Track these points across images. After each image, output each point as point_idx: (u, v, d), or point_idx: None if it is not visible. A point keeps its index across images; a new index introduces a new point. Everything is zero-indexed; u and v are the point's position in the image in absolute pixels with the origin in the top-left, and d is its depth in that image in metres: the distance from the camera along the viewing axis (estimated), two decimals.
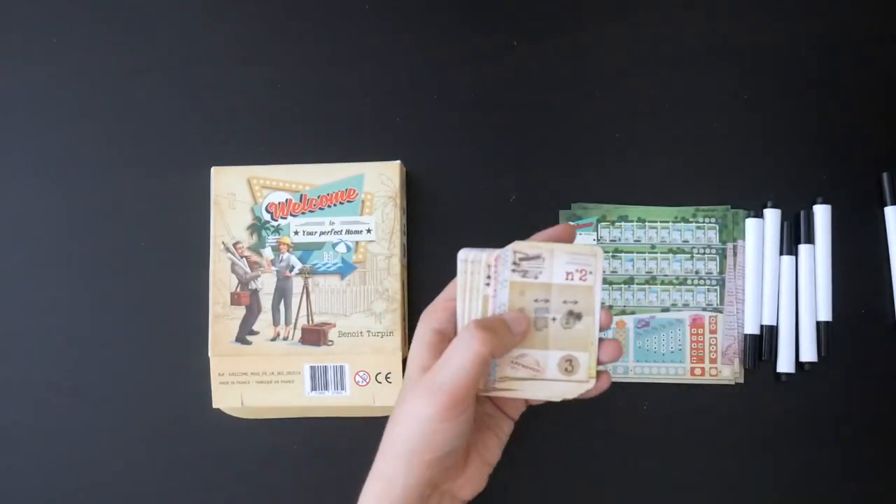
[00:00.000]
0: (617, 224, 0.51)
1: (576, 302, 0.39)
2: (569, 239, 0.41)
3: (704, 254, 0.51)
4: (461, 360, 0.37)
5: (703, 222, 0.51)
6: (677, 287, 0.51)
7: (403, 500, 0.39)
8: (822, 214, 0.51)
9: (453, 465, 0.40)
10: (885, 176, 0.51)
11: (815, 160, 0.52)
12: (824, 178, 0.52)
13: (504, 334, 0.39)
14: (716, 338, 0.50)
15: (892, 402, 0.50)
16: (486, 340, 0.37)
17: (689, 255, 0.51)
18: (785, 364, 0.50)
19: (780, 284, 0.51)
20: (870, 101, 0.52)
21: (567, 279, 0.39)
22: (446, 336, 0.40)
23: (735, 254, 0.51)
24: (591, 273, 0.39)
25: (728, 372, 0.50)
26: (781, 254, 0.51)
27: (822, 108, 0.53)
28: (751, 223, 0.51)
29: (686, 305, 0.51)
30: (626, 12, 0.54)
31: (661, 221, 0.51)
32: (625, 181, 0.52)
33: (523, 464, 0.50)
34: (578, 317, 0.39)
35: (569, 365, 0.40)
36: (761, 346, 0.50)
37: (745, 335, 0.50)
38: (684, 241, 0.51)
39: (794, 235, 0.51)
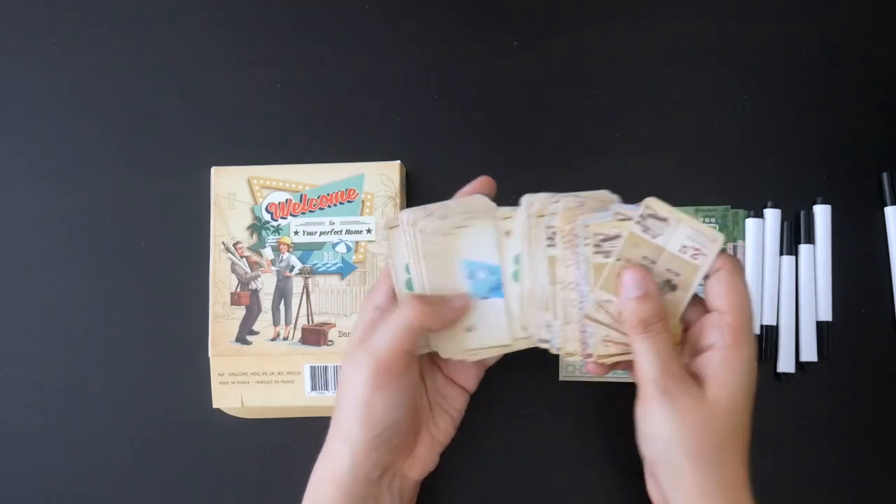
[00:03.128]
0: None
1: (678, 274, 0.39)
2: (487, 190, 0.43)
3: None
4: (390, 325, 0.38)
5: (703, 222, 0.51)
6: None
7: (351, 480, 0.39)
8: (822, 214, 0.51)
9: (400, 445, 0.40)
10: (885, 176, 0.51)
11: (815, 160, 0.52)
12: (824, 178, 0.52)
13: (439, 307, 0.38)
14: None
15: (892, 402, 0.50)
16: (419, 308, 0.37)
17: None
18: (785, 364, 0.50)
19: (780, 284, 0.51)
20: (870, 101, 0.52)
21: (680, 252, 0.39)
22: (386, 313, 0.40)
23: (735, 254, 0.51)
24: (703, 255, 0.39)
25: None
26: (781, 254, 0.51)
27: (822, 108, 0.53)
28: (751, 223, 0.51)
29: None
30: (626, 12, 0.54)
31: None
32: (625, 181, 0.52)
33: (520, 467, 0.50)
34: (674, 287, 0.40)
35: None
36: (761, 346, 0.50)
37: None
38: None
39: (794, 235, 0.51)
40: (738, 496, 0.37)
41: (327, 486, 0.40)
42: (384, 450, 0.39)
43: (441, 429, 0.43)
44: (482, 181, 0.43)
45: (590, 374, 0.42)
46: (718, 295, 0.39)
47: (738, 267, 0.39)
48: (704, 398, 0.37)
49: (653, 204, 0.40)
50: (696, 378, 0.38)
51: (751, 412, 0.38)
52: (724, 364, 0.37)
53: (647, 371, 0.37)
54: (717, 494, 0.36)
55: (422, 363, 0.42)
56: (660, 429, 0.37)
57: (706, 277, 0.39)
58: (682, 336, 0.40)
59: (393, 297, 0.41)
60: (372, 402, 0.38)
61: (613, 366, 0.41)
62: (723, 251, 0.39)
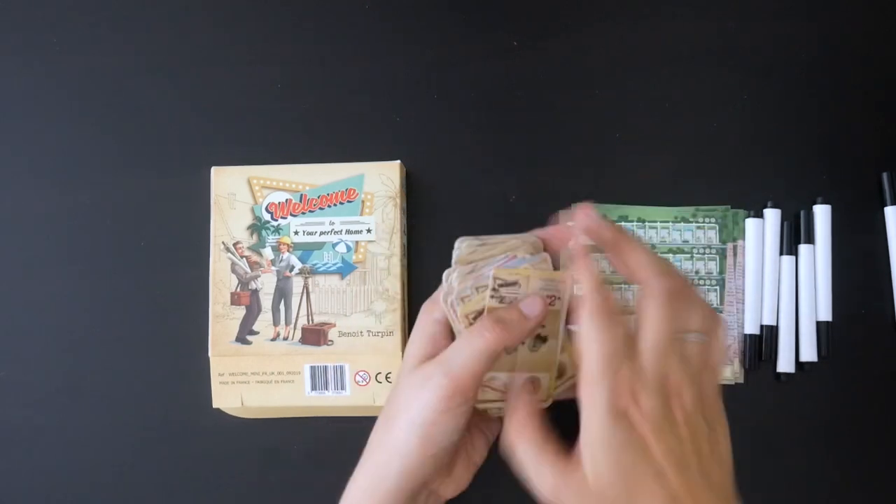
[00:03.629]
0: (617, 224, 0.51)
1: (543, 326, 0.40)
2: (565, 240, 0.41)
3: (704, 254, 0.51)
4: (470, 349, 0.37)
5: (703, 222, 0.51)
6: None
7: (394, 497, 0.38)
8: (822, 214, 0.51)
9: (445, 464, 0.40)
10: (885, 176, 0.51)
11: (815, 160, 0.52)
12: (824, 178, 0.52)
13: (517, 325, 0.38)
14: None
15: (892, 402, 0.50)
16: (499, 332, 0.37)
17: (689, 256, 0.51)
18: (785, 364, 0.50)
19: (780, 284, 0.51)
20: (870, 101, 0.52)
21: None
22: (447, 327, 0.40)
23: (735, 254, 0.51)
24: (559, 299, 0.40)
25: (728, 372, 0.50)
26: (781, 254, 0.51)
27: (822, 108, 0.53)
28: (751, 223, 0.51)
29: None
30: (626, 12, 0.54)
31: (660, 221, 0.51)
32: (625, 181, 0.52)
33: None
34: (544, 340, 0.40)
35: (531, 387, 0.40)
36: (761, 346, 0.50)
37: (745, 335, 0.50)
38: (684, 241, 0.51)
39: (794, 235, 0.51)
40: None
41: (366, 498, 0.39)
42: (433, 469, 0.38)
43: (477, 449, 0.43)
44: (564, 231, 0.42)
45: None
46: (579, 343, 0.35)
47: (597, 306, 0.35)
48: (583, 479, 0.33)
49: (499, 274, 0.39)
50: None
51: (632, 491, 0.33)
52: (582, 435, 0.34)
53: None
54: None
55: None
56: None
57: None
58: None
59: None
60: (438, 422, 0.37)
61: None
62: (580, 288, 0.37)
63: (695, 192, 0.51)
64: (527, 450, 0.36)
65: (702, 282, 0.51)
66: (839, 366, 0.50)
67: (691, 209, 0.51)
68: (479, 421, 0.43)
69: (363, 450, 0.41)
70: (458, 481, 0.42)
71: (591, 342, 0.34)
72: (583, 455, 0.34)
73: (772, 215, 0.51)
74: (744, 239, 0.51)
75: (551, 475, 0.34)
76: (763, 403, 0.50)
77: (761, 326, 0.50)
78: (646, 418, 0.33)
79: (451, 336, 0.41)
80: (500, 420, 0.43)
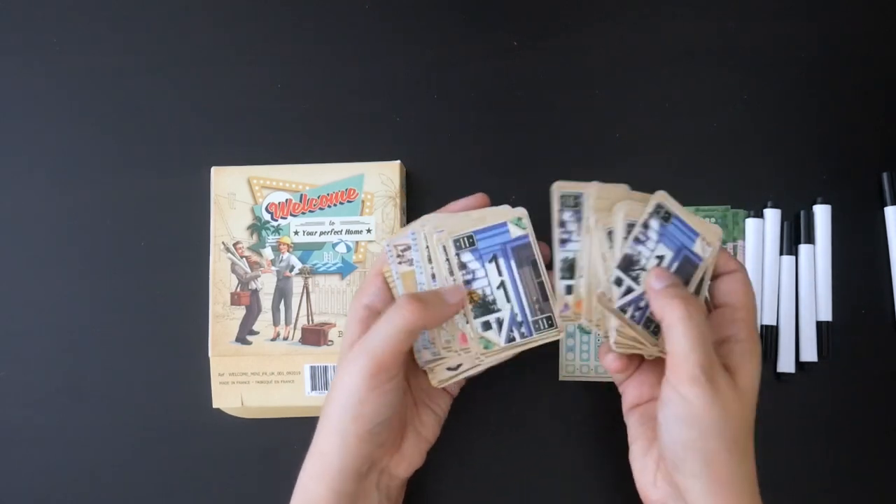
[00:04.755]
0: None
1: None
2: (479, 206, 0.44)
3: None
4: (387, 326, 0.38)
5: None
6: None
7: (340, 476, 0.39)
8: (822, 214, 0.51)
9: (388, 441, 0.41)
10: (885, 176, 0.51)
11: (815, 160, 0.52)
12: (824, 178, 0.52)
13: (436, 305, 0.39)
14: None
15: (892, 402, 0.50)
16: (415, 310, 0.38)
17: None
18: (785, 364, 0.50)
19: (780, 284, 0.51)
20: (870, 101, 0.52)
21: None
22: (376, 311, 0.41)
23: (735, 254, 0.51)
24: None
25: None
26: (781, 254, 0.51)
27: (822, 108, 0.53)
28: (751, 223, 0.51)
29: None
30: (626, 12, 0.54)
31: None
32: (625, 181, 0.52)
33: (518, 466, 0.50)
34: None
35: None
36: (761, 345, 0.50)
37: None
38: None
39: (794, 235, 0.51)
40: (755, 485, 0.38)
41: (316, 483, 0.40)
42: (374, 445, 0.40)
43: (427, 426, 0.44)
44: (477, 198, 0.45)
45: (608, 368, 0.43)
46: (732, 292, 0.40)
47: (745, 271, 0.42)
48: (738, 387, 0.37)
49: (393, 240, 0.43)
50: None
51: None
52: (746, 356, 0.38)
53: (690, 352, 0.36)
54: (745, 481, 0.37)
55: (406, 361, 0.42)
56: (701, 414, 0.36)
57: (714, 277, 0.41)
58: None
59: (381, 297, 0.42)
60: (366, 399, 0.38)
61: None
62: (723, 250, 0.42)
63: (695, 192, 0.51)
64: (694, 321, 0.37)
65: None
66: (839, 366, 0.50)
67: (691, 209, 0.51)
68: (425, 397, 0.44)
69: None
70: (409, 458, 0.43)
71: (752, 293, 0.41)
72: (744, 365, 0.38)
73: (772, 215, 0.51)
74: (744, 239, 0.51)
75: (711, 355, 0.37)
76: (763, 403, 0.50)
77: (761, 326, 0.50)
78: None
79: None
80: (448, 396, 0.45)
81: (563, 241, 0.41)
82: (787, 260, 0.51)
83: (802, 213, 0.51)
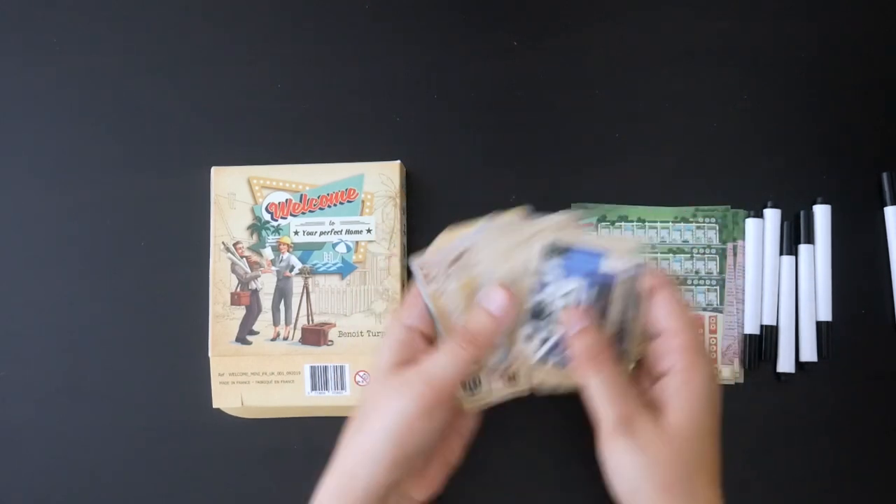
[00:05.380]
0: (617, 224, 0.51)
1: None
2: None
3: (704, 254, 0.51)
4: (452, 358, 0.38)
5: (703, 222, 0.51)
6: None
7: (363, 498, 0.38)
8: (822, 214, 0.51)
9: (418, 466, 0.40)
10: (885, 176, 0.51)
11: (815, 160, 0.52)
12: (824, 178, 0.52)
13: (489, 335, 0.39)
14: (716, 338, 0.50)
15: (892, 402, 0.50)
16: (478, 345, 0.38)
17: (689, 255, 0.51)
18: (785, 364, 0.50)
19: (780, 284, 0.51)
20: (870, 101, 0.52)
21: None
22: (416, 332, 0.41)
23: (735, 254, 0.51)
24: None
25: (728, 372, 0.50)
26: (781, 254, 0.51)
27: (822, 108, 0.53)
28: (751, 223, 0.51)
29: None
30: (626, 12, 0.54)
31: (660, 221, 0.51)
32: (625, 181, 0.52)
33: (507, 471, 0.50)
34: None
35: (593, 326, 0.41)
36: (761, 346, 0.50)
37: (745, 335, 0.50)
38: (684, 241, 0.51)
39: (794, 235, 0.51)
40: None
41: (336, 501, 0.39)
42: (405, 470, 0.39)
43: (452, 449, 0.43)
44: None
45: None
46: (663, 317, 0.38)
47: (674, 285, 0.40)
48: (666, 429, 0.36)
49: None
50: (654, 406, 0.38)
51: (717, 432, 0.38)
52: (683, 389, 0.37)
53: (603, 410, 0.37)
54: None
55: None
56: (626, 466, 0.37)
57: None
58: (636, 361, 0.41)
59: (423, 319, 0.41)
60: (415, 428, 0.38)
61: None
62: (646, 268, 0.40)
63: (695, 192, 0.51)
64: (604, 376, 0.38)
65: (701, 282, 0.51)
66: (839, 366, 0.50)
67: (691, 209, 0.51)
68: (454, 420, 0.43)
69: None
70: (430, 483, 0.42)
71: (686, 310, 0.39)
72: (676, 400, 0.37)
73: (772, 215, 0.51)
74: (744, 239, 0.51)
75: (627, 406, 0.37)
76: (763, 403, 0.50)
77: (761, 326, 0.50)
78: (713, 373, 0.39)
79: (424, 340, 0.41)
80: (474, 418, 0.45)
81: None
82: (787, 260, 0.51)
83: (802, 213, 0.51)
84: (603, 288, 0.39)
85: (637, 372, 0.41)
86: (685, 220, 0.51)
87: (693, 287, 0.51)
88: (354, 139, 0.53)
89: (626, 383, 0.38)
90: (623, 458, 0.37)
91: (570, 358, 0.39)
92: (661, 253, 0.51)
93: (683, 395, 0.37)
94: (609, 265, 0.40)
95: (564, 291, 0.40)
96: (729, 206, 0.51)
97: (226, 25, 0.55)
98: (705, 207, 0.51)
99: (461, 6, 0.54)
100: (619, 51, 0.53)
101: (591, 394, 0.38)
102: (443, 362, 0.38)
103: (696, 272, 0.51)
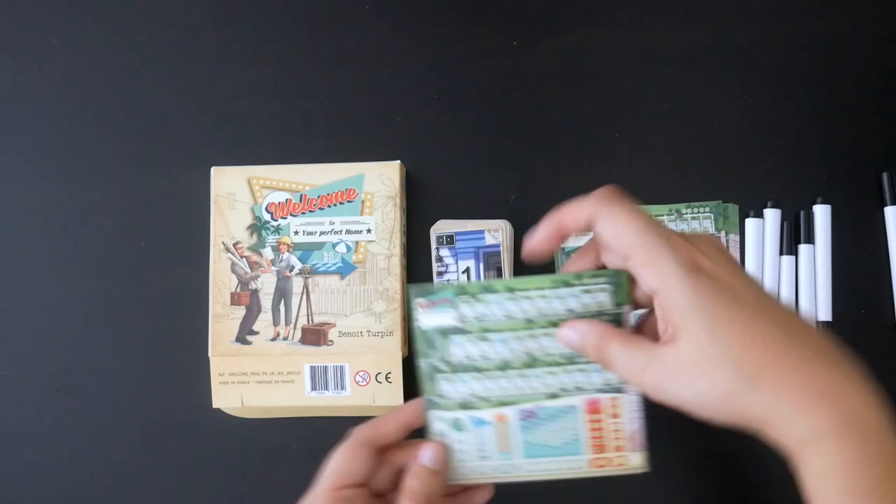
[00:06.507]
0: None
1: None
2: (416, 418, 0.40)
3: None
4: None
5: (698, 213, 0.51)
6: None
7: None
8: (822, 214, 0.51)
9: None
10: (885, 176, 0.51)
11: (815, 160, 0.52)
12: (824, 178, 0.52)
13: (436, 489, 0.38)
14: None
15: (892, 403, 0.50)
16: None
17: None
18: None
19: (780, 284, 0.51)
20: (870, 101, 0.52)
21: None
22: (371, 453, 0.39)
23: (728, 246, 0.51)
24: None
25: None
26: (781, 254, 0.51)
27: (822, 108, 0.53)
28: (751, 223, 0.51)
29: None
30: (626, 12, 0.54)
31: (655, 216, 0.51)
32: (624, 181, 0.52)
33: None
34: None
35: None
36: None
37: None
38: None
39: (794, 235, 0.51)
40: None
41: None
42: None
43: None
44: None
45: None
46: (611, 244, 0.34)
47: (612, 195, 0.34)
48: (672, 352, 0.32)
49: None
50: (664, 340, 0.34)
51: (752, 295, 0.32)
52: (670, 306, 0.32)
53: (626, 372, 0.34)
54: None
55: None
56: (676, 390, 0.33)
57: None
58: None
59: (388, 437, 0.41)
60: None
61: None
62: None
63: (695, 192, 0.52)
64: (618, 345, 0.34)
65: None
66: None
67: (683, 206, 0.51)
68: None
69: None
70: None
71: (633, 221, 0.33)
72: (677, 326, 0.32)
73: (772, 215, 0.51)
74: (736, 233, 0.51)
75: (644, 357, 0.33)
76: None
77: None
78: (721, 269, 0.32)
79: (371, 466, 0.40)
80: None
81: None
82: (787, 260, 0.51)
83: (802, 213, 0.51)
84: (491, 257, 0.45)
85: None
86: (678, 213, 0.51)
87: None
88: (354, 139, 0.53)
89: (632, 342, 0.34)
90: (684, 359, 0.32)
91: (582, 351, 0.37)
92: None
93: (673, 316, 0.32)
94: (491, 238, 0.45)
95: (463, 270, 0.45)
96: (721, 201, 0.51)
97: (226, 25, 0.55)
98: (696, 203, 0.51)
99: (461, 6, 0.55)
100: (619, 51, 0.53)
101: (616, 367, 0.35)
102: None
103: None
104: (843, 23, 0.53)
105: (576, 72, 0.53)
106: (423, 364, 0.38)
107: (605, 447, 0.40)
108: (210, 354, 0.50)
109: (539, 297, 0.38)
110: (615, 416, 0.40)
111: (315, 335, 0.50)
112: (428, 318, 0.38)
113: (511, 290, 0.38)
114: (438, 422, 0.39)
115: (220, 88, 0.54)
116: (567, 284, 0.37)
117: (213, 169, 0.51)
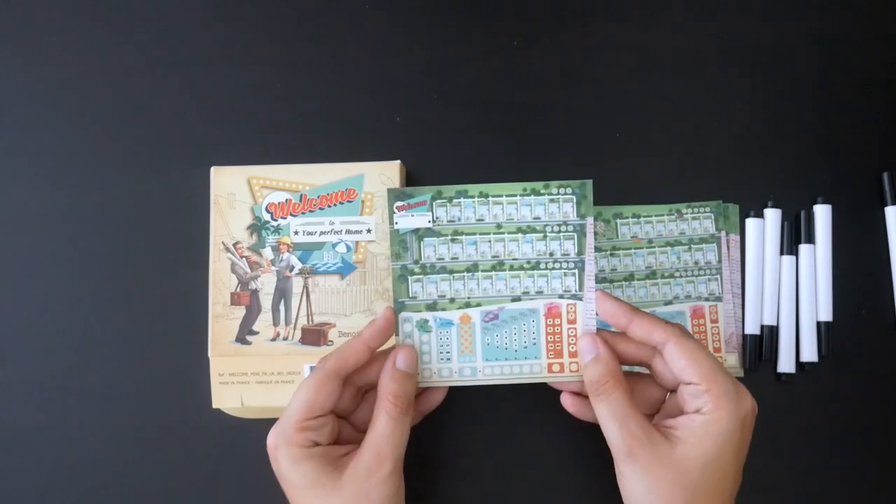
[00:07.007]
0: (612, 221, 0.51)
1: None
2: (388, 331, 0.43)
3: (702, 244, 0.51)
4: (387, 430, 0.40)
5: (699, 213, 0.51)
6: (678, 279, 0.51)
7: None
8: (822, 214, 0.51)
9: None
10: (885, 176, 0.51)
11: (815, 160, 0.52)
12: (824, 178, 0.52)
13: (411, 393, 0.42)
14: (717, 327, 0.50)
15: (892, 402, 0.50)
16: (403, 407, 0.41)
17: (686, 248, 0.51)
18: (785, 364, 0.50)
19: (781, 284, 0.51)
20: (870, 101, 0.52)
21: None
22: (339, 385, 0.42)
23: (728, 248, 0.51)
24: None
25: (733, 360, 0.50)
26: (782, 254, 0.51)
27: (821, 108, 0.53)
28: (751, 223, 0.51)
29: (688, 297, 0.50)
30: (626, 12, 0.54)
31: (655, 216, 0.51)
32: (624, 181, 0.52)
33: (510, 467, 0.50)
34: None
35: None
36: (762, 346, 0.50)
37: (746, 335, 0.50)
38: (681, 233, 0.51)
39: (795, 235, 0.51)
40: None
41: None
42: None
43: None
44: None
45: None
46: (683, 369, 0.40)
47: (685, 332, 0.41)
48: (671, 455, 0.38)
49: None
50: (667, 434, 0.39)
51: (732, 465, 0.39)
52: (702, 427, 0.38)
53: (609, 435, 0.39)
54: None
55: None
56: (632, 488, 0.39)
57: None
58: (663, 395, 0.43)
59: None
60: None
61: None
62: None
63: (695, 192, 0.51)
64: (611, 401, 0.40)
65: (702, 272, 0.50)
66: (839, 366, 0.50)
67: (682, 206, 0.51)
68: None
69: None
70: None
71: (705, 356, 0.40)
72: (692, 437, 0.38)
73: (772, 215, 0.51)
74: (737, 233, 0.51)
75: (640, 433, 0.38)
76: (763, 403, 0.50)
77: (762, 326, 0.50)
78: (749, 426, 0.40)
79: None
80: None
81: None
82: (788, 260, 0.51)
83: (802, 213, 0.51)
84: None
85: (662, 406, 0.43)
86: (679, 213, 0.51)
87: (694, 278, 0.50)
88: (354, 139, 0.53)
89: (630, 408, 0.39)
90: (628, 481, 0.39)
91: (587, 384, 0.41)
92: (659, 247, 0.51)
93: (700, 431, 0.38)
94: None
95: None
96: (721, 201, 0.51)
97: (226, 25, 0.55)
98: (696, 203, 0.51)
99: (461, 6, 0.55)
100: (619, 51, 0.54)
101: (600, 418, 0.40)
102: (383, 436, 0.40)
103: (696, 262, 0.50)
104: (843, 23, 0.53)
105: (576, 72, 0.53)
106: (396, 266, 0.42)
107: (560, 352, 0.43)
108: (210, 354, 0.50)
109: (509, 202, 0.42)
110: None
111: (315, 335, 0.50)
112: (404, 221, 0.42)
113: (484, 195, 0.42)
114: (407, 323, 0.42)
115: (220, 88, 0.54)
116: (536, 193, 0.42)
117: (212, 169, 0.51)
